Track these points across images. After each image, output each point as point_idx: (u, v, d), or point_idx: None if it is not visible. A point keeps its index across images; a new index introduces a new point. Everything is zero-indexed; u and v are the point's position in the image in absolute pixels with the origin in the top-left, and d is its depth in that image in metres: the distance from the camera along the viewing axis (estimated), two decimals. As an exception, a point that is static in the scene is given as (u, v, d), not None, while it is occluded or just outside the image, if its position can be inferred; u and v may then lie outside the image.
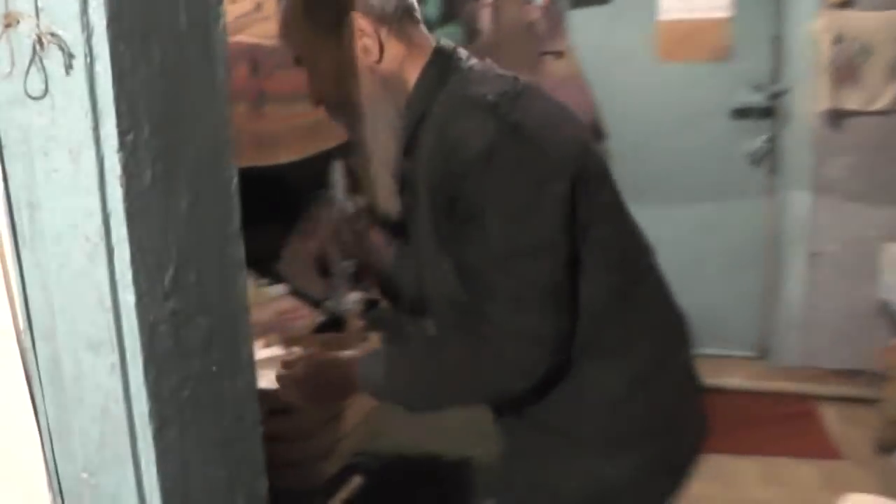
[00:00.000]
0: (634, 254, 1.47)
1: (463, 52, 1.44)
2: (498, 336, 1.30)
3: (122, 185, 0.82)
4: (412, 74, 1.40)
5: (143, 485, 0.90)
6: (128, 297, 0.85)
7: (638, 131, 4.04)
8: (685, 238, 4.01)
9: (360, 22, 1.37)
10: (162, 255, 0.88)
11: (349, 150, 3.22)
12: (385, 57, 1.39)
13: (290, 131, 2.99)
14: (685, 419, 1.49)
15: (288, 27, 1.44)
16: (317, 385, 1.51)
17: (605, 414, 1.41)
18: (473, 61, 1.43)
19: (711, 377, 3.61)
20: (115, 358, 0.86)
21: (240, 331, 1.01)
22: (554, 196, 1.29)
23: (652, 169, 4.02)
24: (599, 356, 1.39)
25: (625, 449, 1.42)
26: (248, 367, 1.03)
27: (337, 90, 1.43)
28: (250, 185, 3.25)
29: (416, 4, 1.45)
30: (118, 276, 0.85)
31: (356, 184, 3.35)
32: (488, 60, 1.46)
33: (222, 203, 0.97)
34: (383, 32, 1.39)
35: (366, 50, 1.38)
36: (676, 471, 1.48)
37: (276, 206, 2.75)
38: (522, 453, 1.48)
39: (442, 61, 1.41)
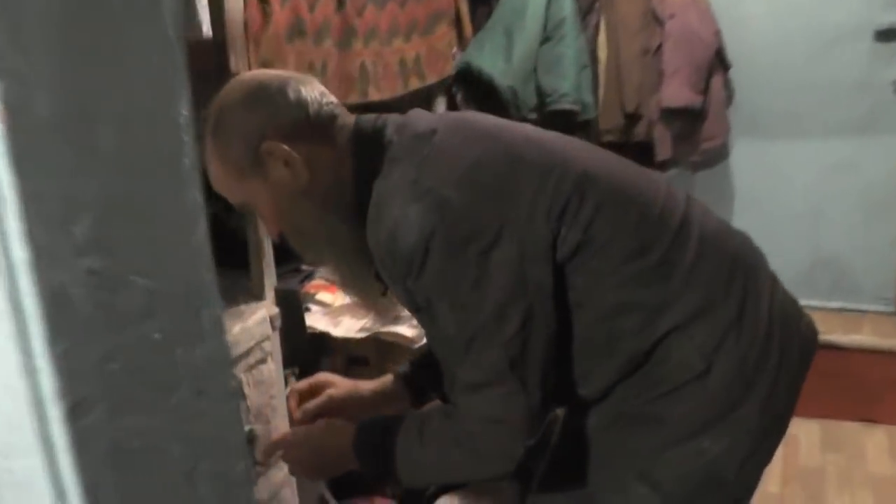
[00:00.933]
0: (656, 225, 1.27)
1: (387, 122, 1.30)
2: (465, 423, 1.21)
3: (2, 120, 0.63)
4: (348, 174, 1.28)
5: (59, 472, 0.73)
6: (20, 255, 0.67)
7: (765, 60, 3.60)
8: (815, 179, 3.58)
9: (277, 148, 1.23)
10: (71, 204, 0.70)
11: (451, 86, 3.03)
12: (317, 171, 1.26)
13: (381, 68, 2.80)
14: (781, 372, 1.29)
15: (215, 180, 1.30)
16: (312, 462, 1.43)
17: (690, 390, 1.25)
18: (393, 130, 1.29)
19: (840, 334, 3.26)
20: (12, 327, 0.68)
21: (199, 291, 0.82)
22: (498, 264, 1.16)
23: (780, 102, 3.59)
24: (666, 334, 1.25)
25: (719, 420, 1.26)
26: (213, 332, 0.84)
27: (287, 224, 1.32)
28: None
29: (330, 97, 1.32)
30: (7, 229, 0.66)
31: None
32: (412, 114, 1.33)
33: (169, 138, 0.77)
34: (305, 148, 1.25)
35: (294, 176, 1.25)
36: (777, 427, 1.32)
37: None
38: (607, 446, 1.31)
39: (364, 150, 1.28)
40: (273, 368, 1.84)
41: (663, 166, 3.49)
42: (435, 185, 1.17)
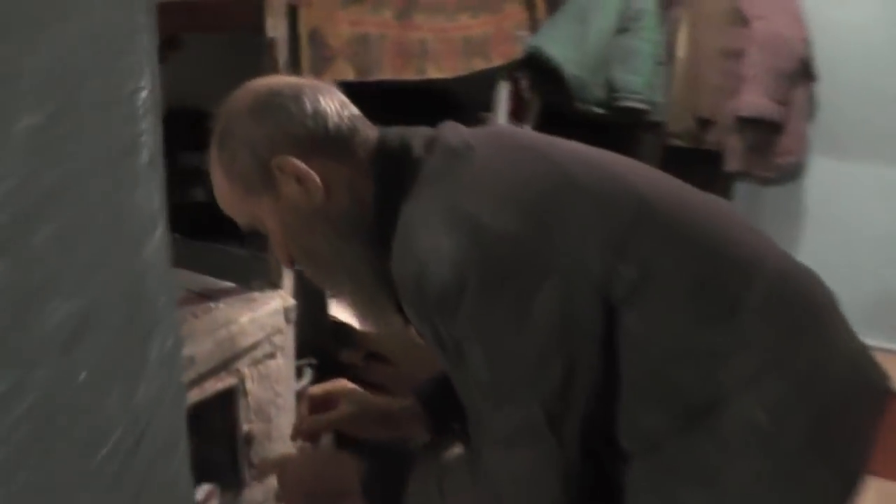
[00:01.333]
0: (722, 261, 1.08)
1: (415, 136, 1.11)
2: (493, 482, 1.05)
3: None
4: (369, 195, 1.10)
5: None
6: None
7: (854, 74, 3.30)
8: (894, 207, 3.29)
9: (289, 163, 1.06)
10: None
11: (516, 70, 2.81)
12: (333, 190, 1.08)
13: (443, 45, 2.60)
14: (858, 431, 1.12)
15: (219, 196, 1.13)
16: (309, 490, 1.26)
17: (755, 452, 1.06)
18: (422, 146, 1.09)
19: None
20: None
21: (148, 315, 0.64)
22: (543, 306, 0.98)
23: (866, 121, 3.29)
24: (729, 387, 1.05)
25: (788, 486, 1.08)
26: (162, 368, 0.66)
27: (299, 248, 1.14)
28: (391, 100, 2.87)
29: (352, 108, 1.13)
30: None
31: (522, 108, 2.99)
32: (444, 127, 1.13)
33: (120, 124, 0.59)
34: (321, 164, 1.07)
35: (307, 194, 1.07)
36: (852, 491, 1.11)
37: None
38: None
39: (388, 168, 1.09)
40: (283, 364, 1.68)
41: (732, 178, 3.24)
42: (473, 212, 1.00)
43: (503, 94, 2.87)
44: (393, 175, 1.08)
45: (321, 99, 1.09)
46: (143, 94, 0.61)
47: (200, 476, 1.56)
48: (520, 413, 1.01)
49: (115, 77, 0.59)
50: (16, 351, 0.57)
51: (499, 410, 1.02)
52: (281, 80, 1.14)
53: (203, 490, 1.52)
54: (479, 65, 2.76)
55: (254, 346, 1.58)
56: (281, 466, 1.28)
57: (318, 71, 2.23)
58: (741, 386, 1.04)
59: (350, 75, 2.30)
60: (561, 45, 2.78)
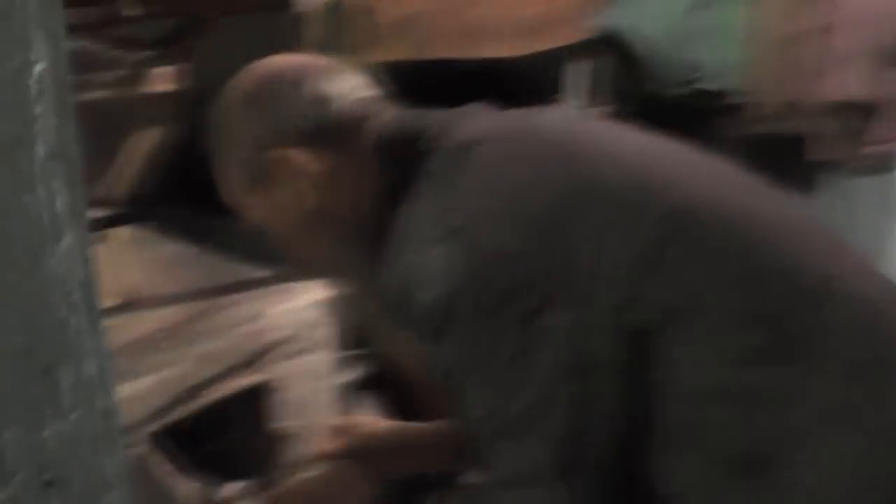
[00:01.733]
0: (781, 284, 0.90)
1: (430, 123, 0.97)
2: None
3: None
4: (371, 192, 0.97)
5: None
6: None
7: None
8: None
9: (283, 157, 0.95)
10: None
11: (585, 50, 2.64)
12: (332, 187, 0.97)
13: (504, 23, 2.45)
14: None
15: (222, 191, 1.03)
16: None
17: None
18: (434, 134, 0.95)
19: None
20: None
21: (54, 346, 0.53)
22: (547, 333, 0.85)
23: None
24: (780, 438, 0.87)
25: None
26: (76, 404, 0.55)
27: (300, 249, 1.05)
28: (455, 80, 2.70)
29: (367, 90, 1.00)
30: None
31: (591, 90, 2.82)
32: (468, 111, 0.99)
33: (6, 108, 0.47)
34: (319, 157, 0.96)
35: (304, 191, 0.97)
36: None
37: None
38: None
39: (392, 160, 0.96)
40: (321, 360, 1.58)
41: (817, 168, 3.01)
42: (464, 223, 0.88)
43: (571, 75, 2.71)
44: (395, 168, 0.96)
45: (325, 83, 0.98)
46: (36, 70, 0.49)
47: (231, 473, 1.49)
48: (519, 454, 0.88)
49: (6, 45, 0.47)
50: None
51: (498, 451, 0.89)
52: (285, 61, 1.04)
53: (232, 488, 1.44)
54: (544, 44, 2.60)
55: (286, 341, 1.48)
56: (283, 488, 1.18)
57: (363, 50, 2.12)
58: (795, 439, 0.87)
59: (399, 54, 2.18)
60: (633, 22, 2.62)
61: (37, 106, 0.50)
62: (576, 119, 1.02)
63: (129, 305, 1.47)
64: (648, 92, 2.63)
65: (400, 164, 0.95)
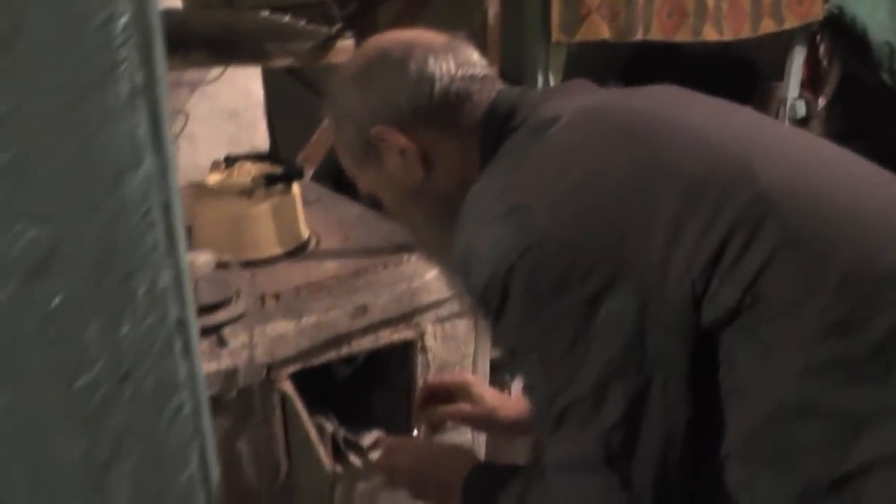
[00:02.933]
0: (880, 287, 0.80)
1: (526, 100, 0.98)
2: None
3: None
4: (475, 170, 0.98)
5: None
6: None
7: None
8: None
9: (388, 135, 0.98)
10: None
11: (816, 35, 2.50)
12: (436, 166, 1.00)
13: (727, 4, 2.38)
14: None
15: (342, 161, 1.08)
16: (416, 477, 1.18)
17: None
18: (526, 112, 0.96)
19: None
20: None
21: (133, 252, 0.64)
22: (607, 322, 0.82)
23: None
24: (869, 465, 0.80)
25: None
26: (151, 308, 0.65)
27: (407, 224, 1.09)
28: (664, 64, 2.69)
29: (475, 67, 1.01)
30: None
31: (818, 77, 2.64)
32: (568, 87, 1.01)
33: (76, 56, 0.59)
34: (424, 135, 0.98)
35: (408, 169, 0.99)
36: None
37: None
38: None
39: (490, 138, 0.97)
40: (470, 325, 1.64)
41: None
42: (524, 201, 0.86)
43: (798, 61, 2.55)
44: (492, 146, 0.96)
45: (431, 60, 0.99)
46: (121, 21, 0.59)
47: (375, 422, 1.60)
48: (577, 443, 0.87)
49: (77, 5, 0.57)
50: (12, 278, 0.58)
51: (555, 433, 0.89)
52: (396, 37, 1.05)
53: (372, 436, 1.55)
54: (770, 26, 2.48)
55: (437, 304, 1.56)
56: (395, 448, 1.23)
57: (570, 30, 2.14)
58: (885, 467, 0.79)
59: (605, 34, 2.17)
60: (871, 6, 2.42)
61: (121, 51, 0.60)
62: (669, 99, 0.97)
63: (304, 253, 1.62)
64: (879, 82, 2.42)
65: (495, 141, 0.96)
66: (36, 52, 0.56)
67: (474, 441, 1.74)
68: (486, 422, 1.29)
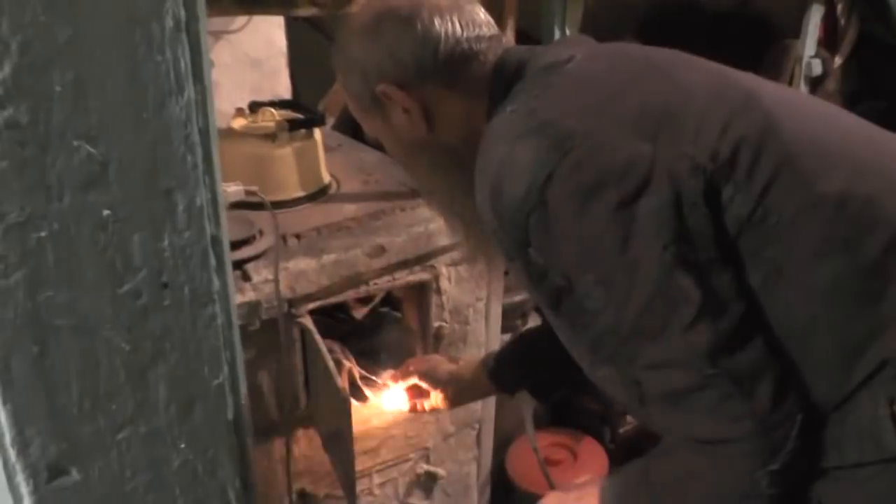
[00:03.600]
0: (874, 211, 0.86)
1: (535, 53, 1.01)
2: (679, 452, 0.92)
3: None
4: (482, 125, 0.99)
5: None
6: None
7: None
8: None
9: (393, 93, 1.01)
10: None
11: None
12: (440, 122, 1.02)
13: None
14: None
15: (350, 107, 1.12)
16: None
17: (864, 478, 0.89)
18: (535, 63, 0.99)
19: None
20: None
21: (174, 171, 0.71)
22: (650, 216, 0.83)
23: None
24: (858, 386, 0.87)
25: None
26: (189, 223, 0.72)
27: (410, 172, 1.14)
28: (680, 19, 2.71)
29: (480, 28, 1.03)
30: None
31: (835, 36, 2.65)
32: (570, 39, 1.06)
33: None
34: (428, 94, 1.02)
35: (412, 125, 1.02)
36: None
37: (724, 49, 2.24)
38: None
39: (499, 93, 0.99)
40: (484, 269, 1.71)
41: None
42: (555, 117, 0.88)
43: (815, 19, 2.56)
44: (501, 94, 0.99)
45: (438, 20, 1.01)
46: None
47: (388, 362, 1.67)
48: (671, 353, 0.85)
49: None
50: (39, 181, 0.66)
51: (635, 352, 0.87)
52: None
53: (386, 374, 1.62)
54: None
55: (452, 247, 1.62)
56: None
57: (588, -19, 2.17)
58: (870, 386, 0.85)
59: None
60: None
61: (168, -14, 0.66)
62: (676, 51, 1.01)
63: (325, 196, 1.68)
64: (892, 37, 2.43)
65: (507, 89, 0.99)
66: (93, -16, 0.62)
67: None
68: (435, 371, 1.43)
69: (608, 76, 0.93)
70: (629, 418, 2.26)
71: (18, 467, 0.72)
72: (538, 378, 1.37)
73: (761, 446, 0.84)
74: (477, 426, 1.86)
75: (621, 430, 2.28)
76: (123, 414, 0.76)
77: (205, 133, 0.72)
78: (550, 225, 0.86)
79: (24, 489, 0.73)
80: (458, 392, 1.44)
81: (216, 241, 0.76)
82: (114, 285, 0.71)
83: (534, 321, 2.05)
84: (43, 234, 0.66)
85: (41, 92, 0.63)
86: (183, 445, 0.79)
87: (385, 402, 1.54)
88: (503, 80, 1.00)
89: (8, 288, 0.67)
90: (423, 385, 1.46)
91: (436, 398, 1.45)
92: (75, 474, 0.76)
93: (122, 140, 0.67)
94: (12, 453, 0.72)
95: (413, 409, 1.49)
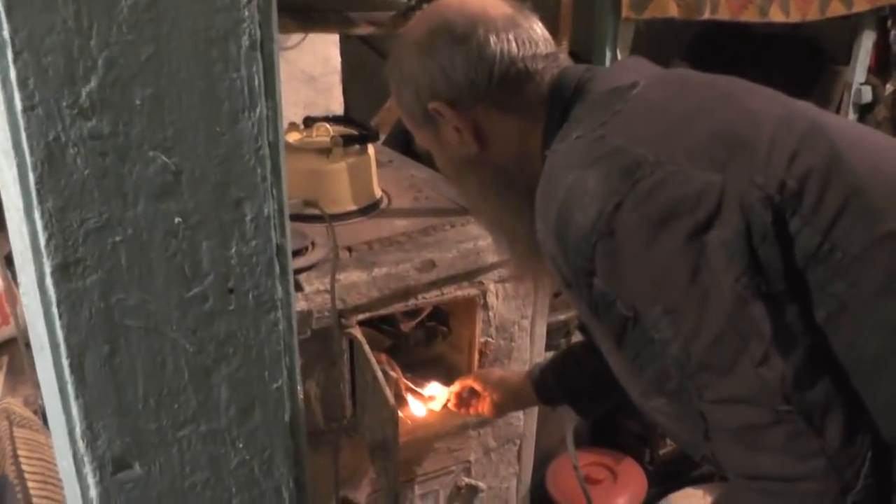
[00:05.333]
0: None
1: (595, 76, 1.00)
2: (745, 494, 0.88)
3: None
4: (537, 146, 0.99)
5: (53, 326, 0.71)
6: (18, 103, 0.64)
7: None
8: None
9: (445, 111, 1.00)
10: (78, 60, 0.64)
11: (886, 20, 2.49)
12: (493, 142, 1.02)
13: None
14: None
15: (403, 120, 1.13)
16: None
17: None
18: (596, 86, 0.97)
19: None
20: (14, 174, 0.66)
21: (244, 183, 0.74)
22: (722, 247, 0.81)
23: None
24: None
25: None
26: (256, 233, 0.75)
27: (459, 189, 1.14)
28: (731, 42, 2.70)
29: (540, 45, 1.02)
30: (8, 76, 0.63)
31: (887, 63, 2.63)
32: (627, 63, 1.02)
33: (208, 10, 0.69)
34: (481, 114, 1.00)
35: (461, 142, 1.02)
36: None
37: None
38: None
39: (556, 114, 0.98)
40: (530, 288, 1.72)
41: None
42: (624, 144, 0.86)
43: (866, 45, 2.54)
44: (559, 116, 0.99)
45: (494, 38, 0.99)
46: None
47: (435, 375, 1.69)
48: (733, 385, 0.84)
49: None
50: (117, 189, 0.69)
51: (705, 385, 0.85)
52: (462, 9, 1.03)
53: (433, 387, 1.64)
54: (838, 10, 2.48)
55: (500, 264, 1.64)
56: None
57: (639, 7, 2.19)
58: None
59: (673, 12, 2.22)
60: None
61: (245, 10, 0.70)
62: (736, 79, 1.00)
63: (377, 210, 1.72)
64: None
65: (561, 116, 0.98)
66: (177, 5, 0.66)
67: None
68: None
69: (675, 103, 0.93)
70: (669, 440, 2.26)
71: (86, 459, 0.76)
72: (581, 394, 1.38)
73: (832, 485, 0.82)
74: (518, 442, 1.87)
75: (661, 452, 2.27)
76: (185, 413, 0.79)
77: (274, 147, 0.75)
78: (618, 254, 0.85)
79: (91, 480, 0.76)
80: (504, 397, 1.48)
81: (281, 250, 0.79)
82: (182, 289, 0.75)
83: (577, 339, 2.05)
84: (118, 238, 0.70)
85: (123, 105, 0.66)
86: (241, 445, 0.81)
87: (432, 402, 1.57)
88: (561, 101, 1.00)
89: (84, 289, 0.70)
90: (476, 385, 1.48)
91: (482, 402, 1.46)
92: (138, 468, 0.79)
93: (196, 152, 0.71)
94: (81, 446, 0.75)
95: (457, 406, 1.52)
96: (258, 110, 0.73)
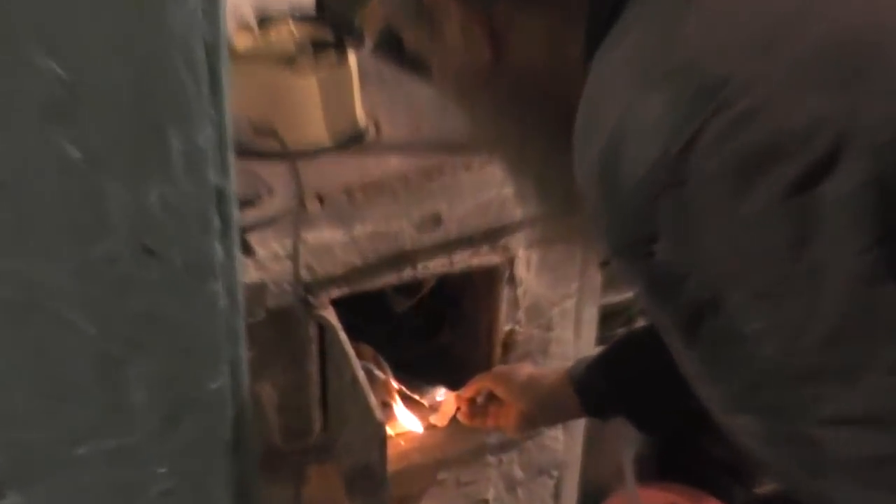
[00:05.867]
0: None
1: None
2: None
3: None
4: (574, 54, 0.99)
5: None
6: None
7: None
8: None
9: (449, 7, 1.02)
10: None
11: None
12: (515, 44, 1.02)
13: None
14: None
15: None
16: None
17: None
18: None
19: None
20: None
21: (160, 95, 0.74)
22: (841, 203, 0.78)
23: None
24: None
25: None
26: (193, 167, 0.76)
27: (464, 112, 1.14)
28: None
29: None
30: None
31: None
32: None
33: None
34: (498, 8, 1.00)
35: (468, 46, 1.03)
36: None
37: None
38: None
39: (608, 6, 0.95)
40: (574, 253, 1.71)
41: None
42: (700, 56, 0.84)
43: None
44: (606, 16, 0.97)
45: None
46: None
47: (440, 376, 1.71)
48: (857, 394, 0.82)
49: None
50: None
51: (814, 390, 0.84)
52: None
53: (435, 393, 1.66)
54: None
55: (534, 221, 1.62)
56: None
57: None
58: None
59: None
60: None
61: None
62: None
63: (360, 144, 1.70)
64: None
65: (608, 11, 0.97)
66: None
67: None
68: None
69: (769, 2, 0.89)
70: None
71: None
72: (644, 402, 1.38)
73: None
74: (556, 473, 1.89)
75: (758, 490, 2.29)
76: (85, 423, 0.79)
77: (213, 50, 0.74)
78: (690, 213, 0.84)
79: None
80: (535, 405, 1.47)
81: (222, 195, 0.78)
82: (79, 250, 0.74)
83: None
84: (-9, 179, 0.70)
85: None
86: (163, 469, 0.82)
87: (435, 415, 1.58)
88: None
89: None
90: (495, 389, 1.48)
91: (505, 413, 1.47)
92: (14, 497, 0.79)
93: (100, 56, 0.70)
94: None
95: (470, 419, 1.53)
96: (189, 4, 0.72)
